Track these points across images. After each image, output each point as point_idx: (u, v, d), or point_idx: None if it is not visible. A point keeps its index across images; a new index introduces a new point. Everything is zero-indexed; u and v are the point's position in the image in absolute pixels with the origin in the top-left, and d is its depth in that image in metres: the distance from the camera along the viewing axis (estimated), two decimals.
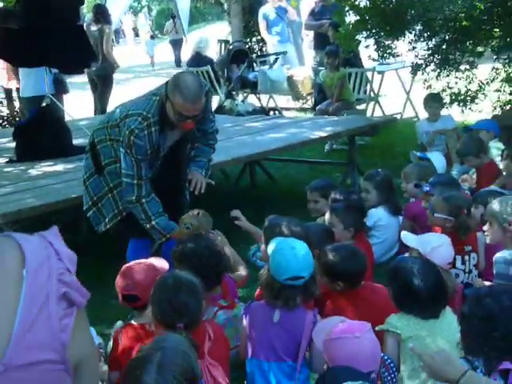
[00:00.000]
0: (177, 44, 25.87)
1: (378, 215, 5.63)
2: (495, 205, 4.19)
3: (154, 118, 4.35)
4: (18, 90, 9.76)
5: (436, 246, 4.08)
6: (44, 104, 7.82)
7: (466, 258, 4.54)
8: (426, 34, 8.72)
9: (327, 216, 4.89)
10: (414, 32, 8.74)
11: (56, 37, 7.10)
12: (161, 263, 3.88)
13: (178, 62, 25.76)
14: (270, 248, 3.68)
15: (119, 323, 4.11)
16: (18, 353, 0.97)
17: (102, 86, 11.24)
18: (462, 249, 4.51)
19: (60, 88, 9.75)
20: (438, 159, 6.46)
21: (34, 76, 8.33)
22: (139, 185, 4.44)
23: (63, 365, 1.03)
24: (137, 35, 39.57)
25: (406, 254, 4.38)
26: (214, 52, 15.78)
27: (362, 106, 11.08)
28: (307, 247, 3.60)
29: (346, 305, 3.84)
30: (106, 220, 4.72)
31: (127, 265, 3.84)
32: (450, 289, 3.86)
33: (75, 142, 7.13)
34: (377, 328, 3.44)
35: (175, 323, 3.11)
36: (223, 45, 17.93)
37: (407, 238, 4.37)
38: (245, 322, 3.63)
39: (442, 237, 4.29)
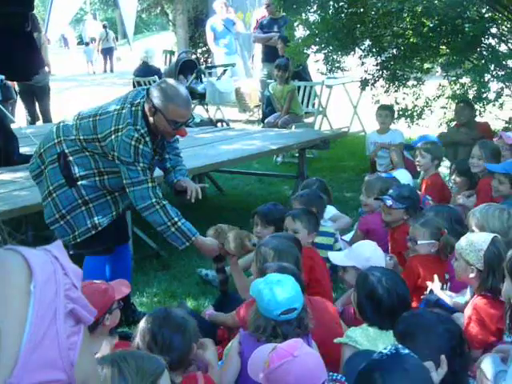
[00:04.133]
0: (109, 52, 27.78)
1: None
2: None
3: (144, 129, 4.27)
4: None
5: (368, 256, 4.13)
6: None
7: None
8: (374, 50, 8.83)
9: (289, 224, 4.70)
10: (363, 47, 8.85)
11: (2, 42, 6.94)
12: (118, 287, 3.68)
13: (110, 70, 27.76)
14: (254, 288, 3.39)
15: None
16: (26, 372, 0.92)
17: (41, 94, 11.04)
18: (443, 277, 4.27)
19: (7, 94, 9.55)
20: (403, 176, 6.31)
21: None
22: (154, 187, 4.33)
23: None
24: (79, 43, 39.26)
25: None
26: (158, 62, 15.70)
27: (309, 120, 11.13)
28: (292, 278, 3.36)
29: None
30: (76, 233, 4.50)
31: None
32: None
33: (22, 150, 6.97)
34: (335, 340, 3.41)
35: None
36: (168, 55, 17.94)
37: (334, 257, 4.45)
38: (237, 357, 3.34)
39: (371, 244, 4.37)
